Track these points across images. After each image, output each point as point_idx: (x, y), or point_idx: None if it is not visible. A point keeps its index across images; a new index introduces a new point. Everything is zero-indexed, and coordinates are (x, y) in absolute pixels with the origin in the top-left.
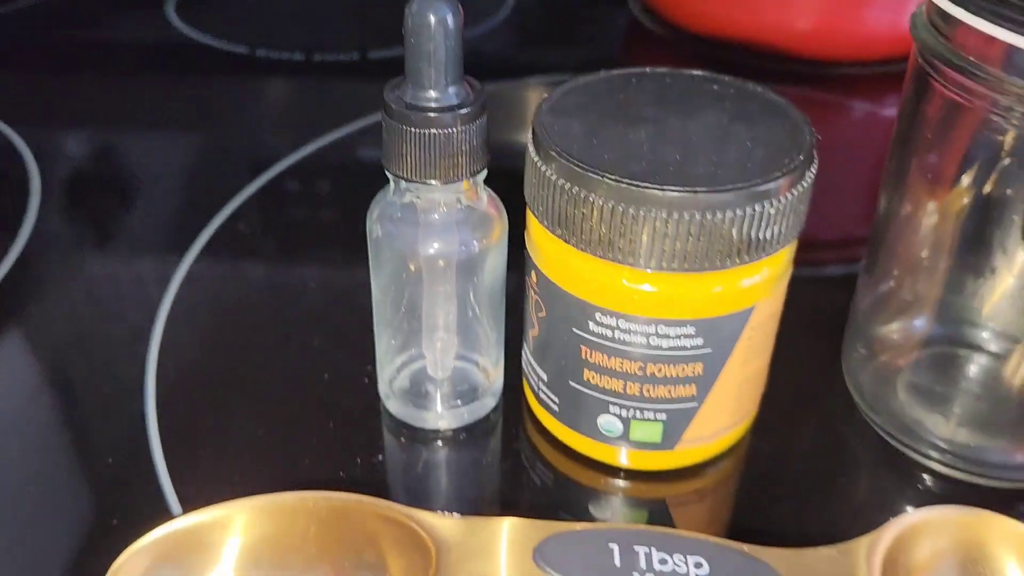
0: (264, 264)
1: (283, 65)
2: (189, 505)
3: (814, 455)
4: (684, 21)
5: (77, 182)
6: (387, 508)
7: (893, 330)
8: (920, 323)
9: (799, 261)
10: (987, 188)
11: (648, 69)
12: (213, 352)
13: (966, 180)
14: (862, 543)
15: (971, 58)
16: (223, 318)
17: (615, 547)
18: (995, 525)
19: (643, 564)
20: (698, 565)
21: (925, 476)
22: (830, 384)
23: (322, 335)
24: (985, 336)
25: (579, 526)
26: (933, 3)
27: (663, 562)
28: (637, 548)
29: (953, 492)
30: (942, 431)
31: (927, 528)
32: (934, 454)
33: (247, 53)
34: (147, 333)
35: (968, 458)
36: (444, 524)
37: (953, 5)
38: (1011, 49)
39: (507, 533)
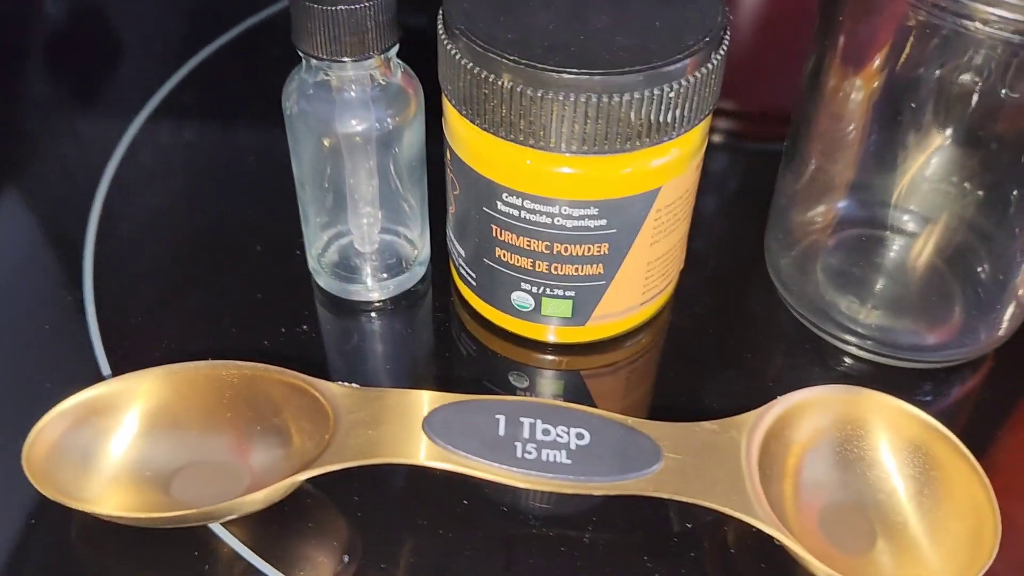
0: (205, 136)
1: None
2: (120, 369)
3: (729, 334)
4: None
5: (29, 41)
6: (292, 377)
7: (812, 214)
8: (837, 206)
9: (732, 135)
10: (899, 69)
11: None
12: (151, 220)
13: (879, 61)
14: (746, 419)
15: None
16: (163, 187)
17: (501, 418)
18: (873, 401)
19: (526, 434)
20: (580, 436)
21: (840, 358)
22: (751, 265)
23: (258, 208)
24: (900, 218)
25: (469, 398)
26: None
27: (546, 432)
28: (523, 419)
29: (864, 373)
30: (856, 314)
31: (809, 406)
32: (847, 337)
33: None
34: (89, 199)
35: (880, 340)
36: (342, 393)
37: None
38: None
39: (399, 403)
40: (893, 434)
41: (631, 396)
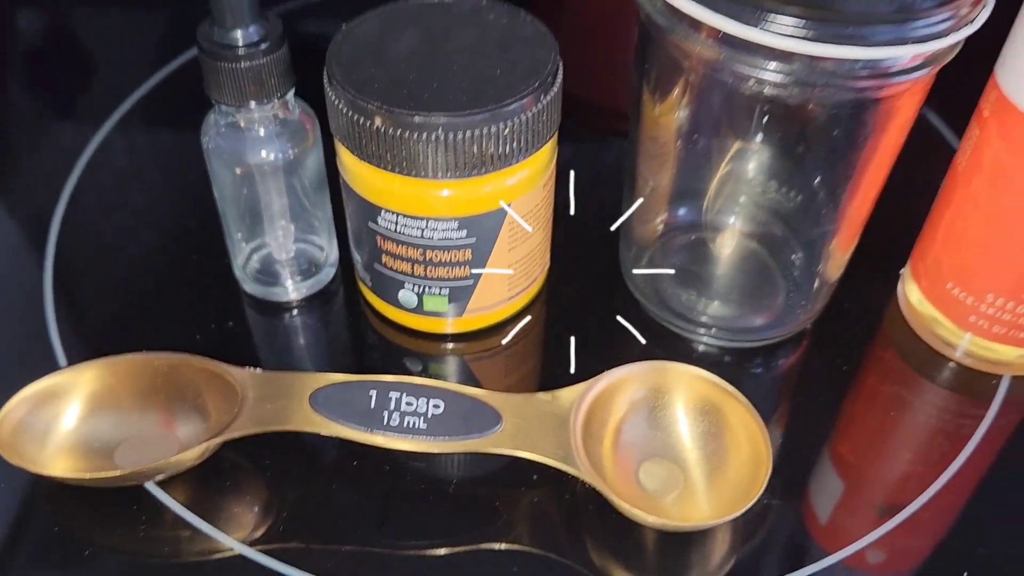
0: (157, 154)
1: None
2: (73, 360)
3: (591, 325)
4: None
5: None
6: (209, 363)
7: (649, 222)
8: (668, 214)
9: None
10: (696, 101)
11: None
12: (104, 231)
13: (679, 93)
14: (575, 390)
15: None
16: (116, 203)
17: (373, 393)
18: (676, 371)
19: (392, 406)
20: (436, 406)
21: (689, 344)
22: (608, 262)
23: (197, 221)
24: (721, 220)
25: (349, 377)
26: None
27: (409, 404)
28: (391, 394)
29: (707, 356)
30: (696, 306)
31: (627, 380)
32: (691, 327)
33: None
34: (50, 212)
35: (719, 327)
36: (248, 376)
37: None
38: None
39: (292, 383)
40: (692, 397)
41: (506, 374)
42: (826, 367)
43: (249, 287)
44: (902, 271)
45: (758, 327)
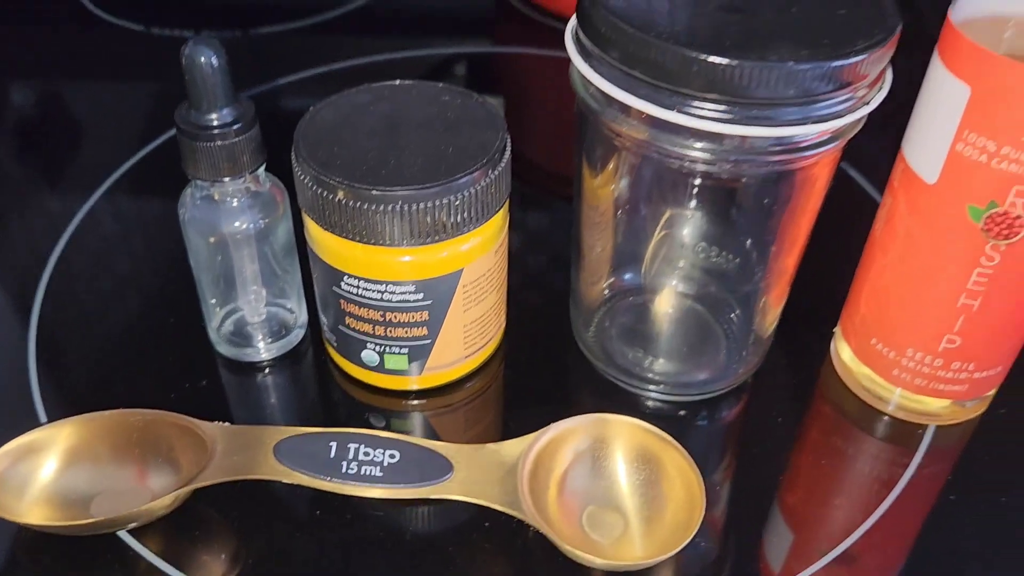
0: (146, 220)
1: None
2: (53, 417)
3: (545, 382)
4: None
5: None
6: (181, 419)
7: (595, 286)
8: (612, 278)
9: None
10: (630, 176)
11: (398, 82)
12: (86, 296)
13: (613, 167)
14: (524, 441)
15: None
16: (99, 271)
17: (333, 444)
18: (617, 423)
19: (351, 455)
20: (392, 456)
21: (636, 401)
22: (562, 321)
23: (176, 287)
24: (662, 281)
25: (310, 430)
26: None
27: (366, 454)
28: (350, 445)
29: (655, 411)
30: (641, 363)
31: (572, 431)
32: (639, 383)
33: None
34: (37, 278)
35: (665, 383)
36: (218, 429)
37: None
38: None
39: (257, 436)
40: (633, 446)
41: (465, 429)
42: (765, 419)
43: (223, 349)
44: (835, 329)
45: (701, 381)
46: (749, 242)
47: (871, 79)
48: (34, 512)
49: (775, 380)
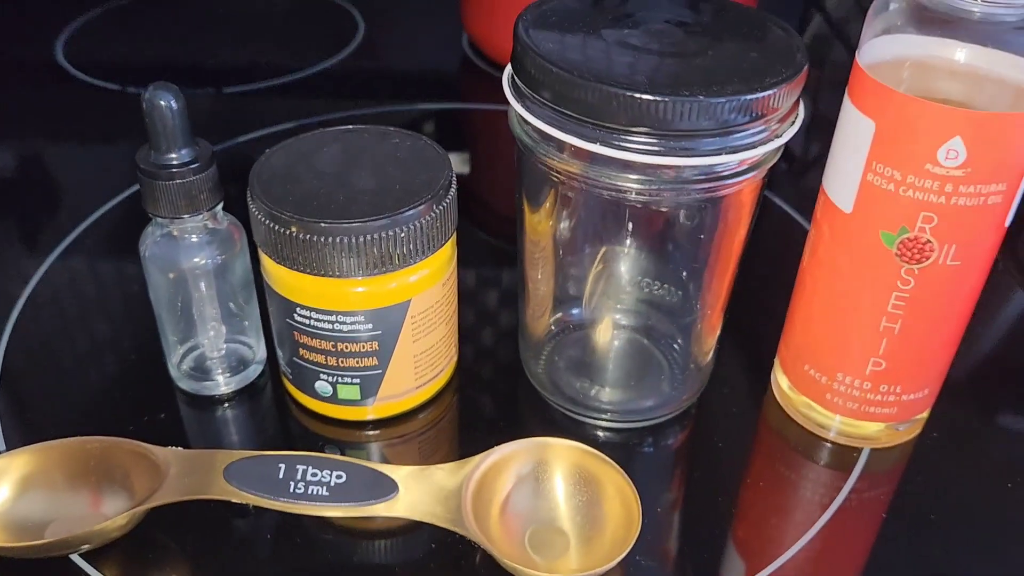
0: (112, 266)
1: None
2: (13, 445)
3: (496, 413)
4: (502, 59)
5: None
6: (135, 445)
7: (540, 321)
8: (557, 314)
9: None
10: (567, 212)
11: (352, 127)
12: (50, 337)
13: (551, 205)
14: (469, 463)
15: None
16: (62, 313)
17: (282, 466)
18: (558, 446)
19: (299, 476)
20: (339, 476)
21: (585, 429)
22: (512, 353)
23: (137, 326)
24: (603, 314)
25: (260, 453)
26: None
27: (314, 475)
28: (298, 466)
29: (604, 439)
30: (588, 393)
31: (516, 454)
32: (587, 412)
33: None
34: (10, 305)
35: (612, 411)
36: (171, 453)
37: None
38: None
39: (208, 459)
40: (573, 468)
41: (420, 458)
42: (708, 444)
43: (183, 384)
44: (775, 359)
45: (647, 408)
46: (683, 270)
47: (783, 112)
48: None
49: (720, 407)
